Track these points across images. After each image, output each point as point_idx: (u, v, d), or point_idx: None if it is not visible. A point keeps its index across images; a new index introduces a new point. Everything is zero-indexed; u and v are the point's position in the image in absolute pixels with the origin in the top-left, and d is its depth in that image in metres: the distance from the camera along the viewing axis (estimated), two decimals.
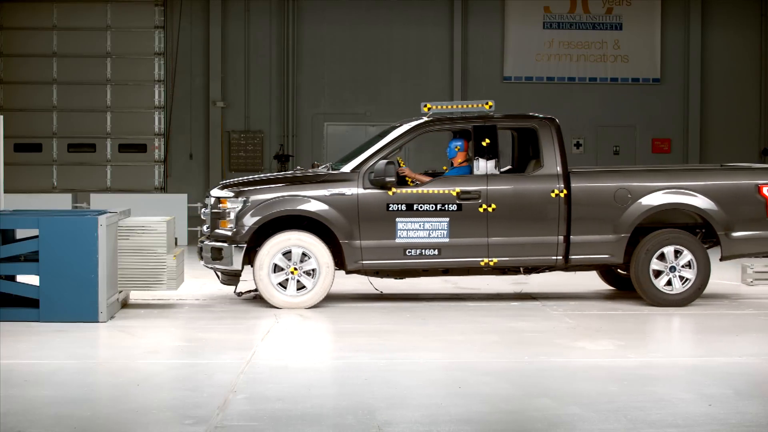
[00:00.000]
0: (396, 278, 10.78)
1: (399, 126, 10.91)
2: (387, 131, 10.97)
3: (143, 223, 9.93)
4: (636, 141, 23.66)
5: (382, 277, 10.75)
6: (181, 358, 7.98)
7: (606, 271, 11.75)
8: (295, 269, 10.12)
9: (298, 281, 10.16)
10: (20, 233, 10.07)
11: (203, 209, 10.78)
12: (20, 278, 9.89)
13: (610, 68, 23.59)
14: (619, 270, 11.47)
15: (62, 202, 17.08)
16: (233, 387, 6.74)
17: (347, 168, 10.36)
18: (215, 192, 10.59)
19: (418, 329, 9.20)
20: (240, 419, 5.97)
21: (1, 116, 12.13)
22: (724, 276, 13.74)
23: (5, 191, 11.94)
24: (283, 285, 10.15)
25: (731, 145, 23.89)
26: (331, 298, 11.05)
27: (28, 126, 22.97)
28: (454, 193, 10.26)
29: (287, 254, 10.12)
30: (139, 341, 8.54)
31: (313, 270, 10.14)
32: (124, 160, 23.39)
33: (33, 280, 9.45)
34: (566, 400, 6.43)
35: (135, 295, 10.64)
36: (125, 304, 10.20)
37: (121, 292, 9.96)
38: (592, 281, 12.24)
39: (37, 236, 9.31)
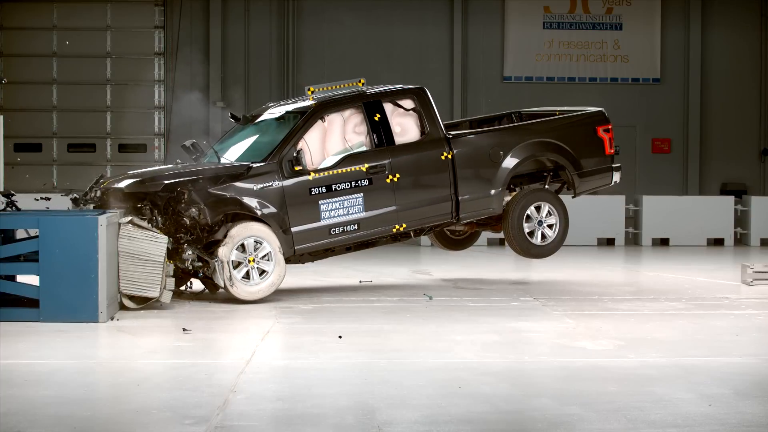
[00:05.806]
0: (313, 260, 11.33)
1: (274, 107, 11.59)
2: (257, 114, 11.65)
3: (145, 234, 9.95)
4: (636, 141, 23.63)
5: (304, 262, 11.30)
6: (181, 358, 7.98)
7: (438, 233, 12.84)
8: (253, 258, 10.55)
9: (258, 268, 10.58)
10: (20, 233, 10.08)
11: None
12: (20, 278, 9.89)
13: (610, 68, 23.57)
14: (448, 231, 12.87)
15: (62, 202, 17.05)
16: (233, 387, 6.74)
17: (259, 160, 10.71)
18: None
19: (418, 329, 9.20)
20: (240, 419, 5.97)
21: (1, 116, 12.14)
22: (724, 276, 13.75)
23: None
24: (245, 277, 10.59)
25: (731, 145, 23.87)
26: (330, 298, 11.06)
27: (28, 126, 22.93)
28: (364, 169, 10.88)
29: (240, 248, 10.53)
30: (139, 341, 8.55)
31: (269, 254, 10.56)
32: (124, 160, 23.36)
33: (33, 280, 9.45)
34: (566, 400, 6.43)
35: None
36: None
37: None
38: (591, 281, 12.23)
39: (37, 236, 9.31)
